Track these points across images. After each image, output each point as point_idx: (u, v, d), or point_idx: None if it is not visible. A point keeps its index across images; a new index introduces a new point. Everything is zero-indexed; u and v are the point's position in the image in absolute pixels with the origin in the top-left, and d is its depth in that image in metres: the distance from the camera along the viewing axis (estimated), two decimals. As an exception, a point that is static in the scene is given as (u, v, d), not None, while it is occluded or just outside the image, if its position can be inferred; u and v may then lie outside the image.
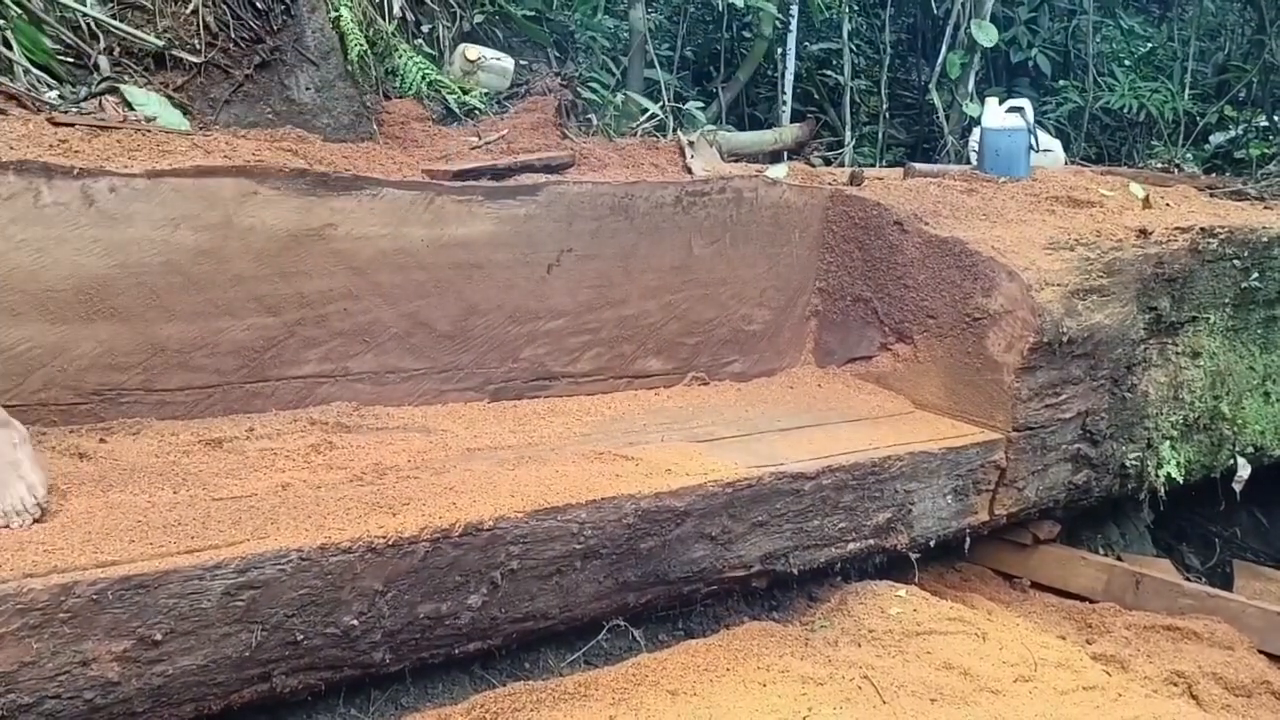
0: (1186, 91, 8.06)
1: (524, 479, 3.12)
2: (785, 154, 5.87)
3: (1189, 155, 7.82)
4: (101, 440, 3.08)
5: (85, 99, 3.48)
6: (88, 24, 3.66)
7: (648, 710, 3.00)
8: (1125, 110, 7.89)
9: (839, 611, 3.73)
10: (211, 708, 2.59)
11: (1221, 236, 4.77)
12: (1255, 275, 4.92)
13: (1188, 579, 4.98)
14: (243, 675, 2.59)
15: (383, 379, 3.61)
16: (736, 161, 5.13)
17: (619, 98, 4.95)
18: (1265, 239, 4.94)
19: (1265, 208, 5.60)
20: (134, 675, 2.42)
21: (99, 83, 3.55)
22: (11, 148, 3.03)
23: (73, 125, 3.22)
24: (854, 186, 4.73)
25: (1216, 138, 8.05)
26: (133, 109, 3.48)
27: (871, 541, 3.83)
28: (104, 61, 3.62)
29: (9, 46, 3.49)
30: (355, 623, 2.71)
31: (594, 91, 4.83)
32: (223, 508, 2.73)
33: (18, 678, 2.29)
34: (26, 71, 3.49)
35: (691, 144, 4.57)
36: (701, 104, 6.00)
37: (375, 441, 3.33)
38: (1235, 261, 4.85)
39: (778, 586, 3.79)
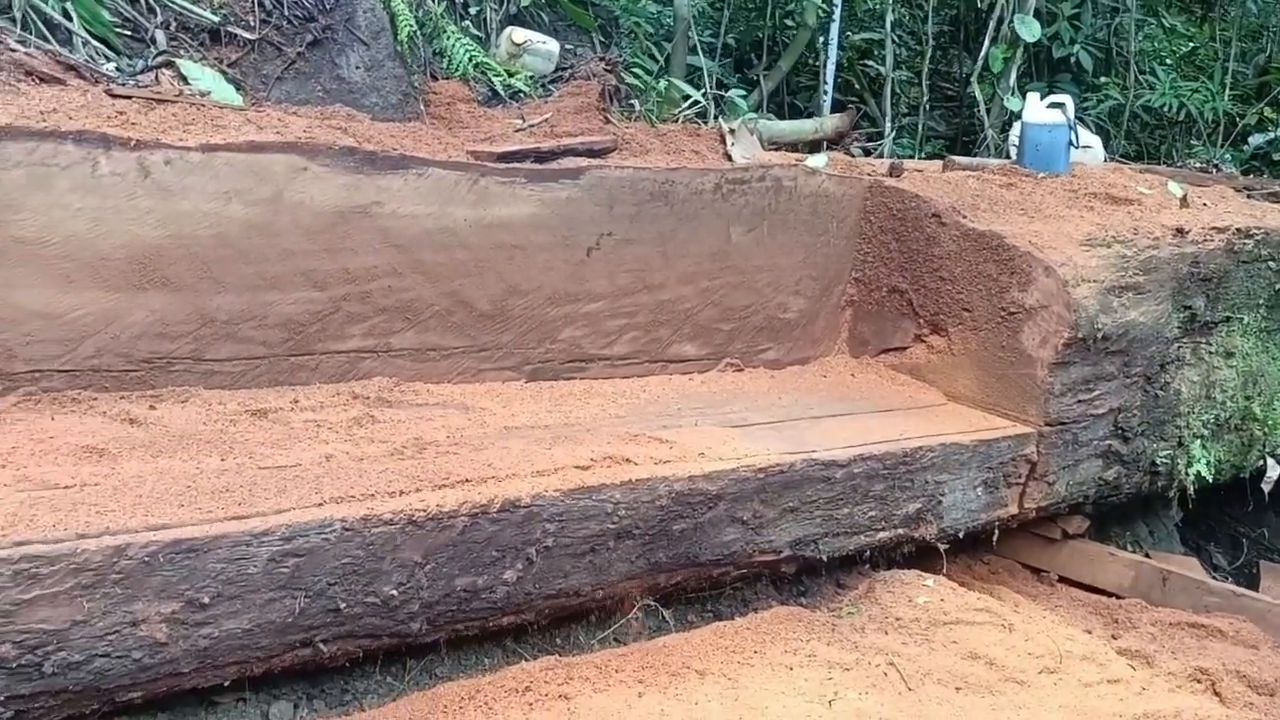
0: (1227, 92, 8.03)
1: (560, 458, 3.17)
2: (825, 144, 5.89)
3: (1228, 155, 7.79)
4: (151, 407, 3.15)
5: (142, 71, 3.55)
6: (145, -2, 3.73)
7: (676, 689, 3.05)
8: (1165, 109, 7.86)
9: (867, 599, 3.77)
10: (254, 670, 2.67)
11: (1258, 237, 4.76)
12: (1291, 277, 4.92)
13: (1214, 578, 4.99)
14: (285, 640, 2.65)
15: (423, 356, 3.67)
16: (776, 150, 5.16)
17: (662, 84, 4.98)
18: (1303, 241, 4.93)
19: (1304, 210, 5.58)
20: (181, 636, 2.50)
21: (155, 56, 3.62)
22: (70, 118, 3.09)
23: (130, 97, 3.29)
24: (893, 178, 4.75)
25: (1256, 139, 8.02)
26: (188, 83, 3.54)
27: (901, 531, 3.86)
28: (161, 35, 3.68)
29: (69, 18, 3.56)
30: (395, 593, 2.77)
31: (637, 77, 4.86)
32: (268, 476, 2.79)
33: (69, 636, 2.36)
34: (85, 43, 3.56)
35: (732, 131, 4.59)
36: (743, 91, 6.03)
37: (415, 417, 3.39)
38: (1271, 263, 4.85)
39: (807, 572, 3.84)
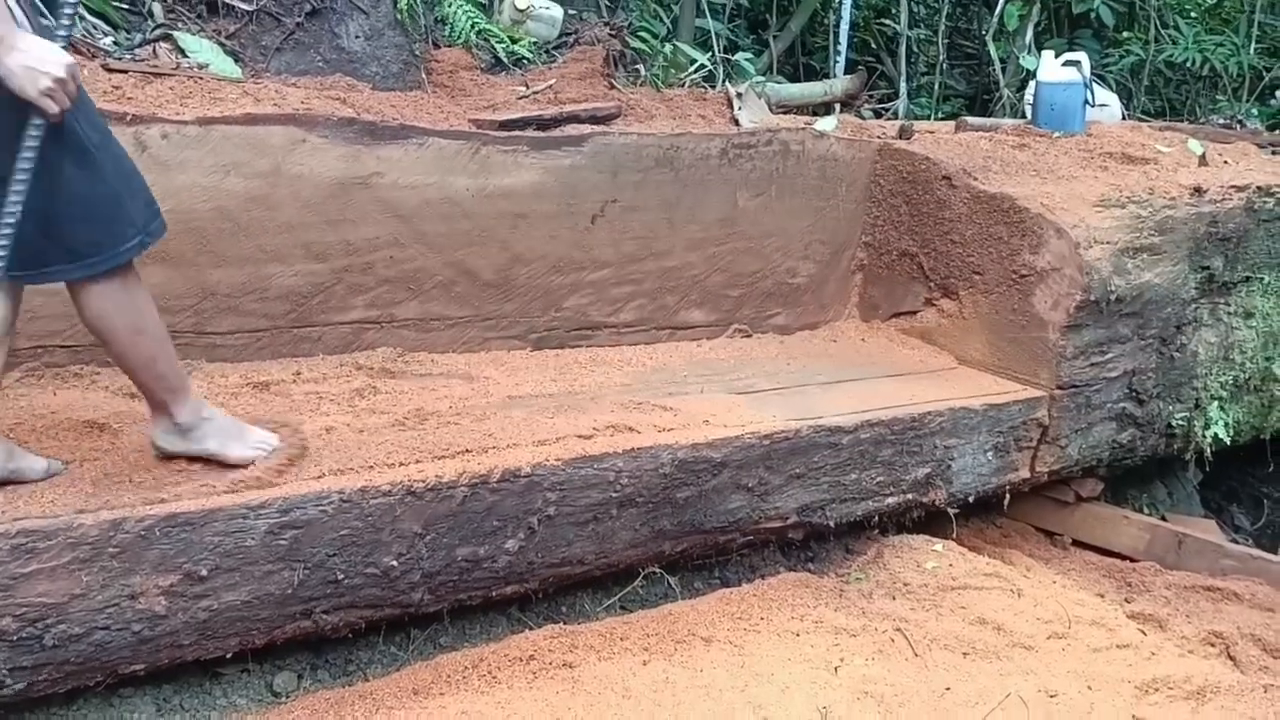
0: (1253, 45, 7.87)
1: (562, 427, 3.16)
2: (837, 106, 5.82)
3: (1254, 111, 7.65)
4: (153, 381, 3.16)
5: (139, 45, 3.54)
6: (143, -29, 3.72)
7: (682, 656, 3.06)
8: (1189, 64, 7.72)
9: (875, 564, 3.75)
10: (255, 642, 2.68)
11: (1278, 195, 4.68)
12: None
13: (1235, 540, 4.95)
14: (285, 611, 2.67)
15: (427, 326, 3.66)
16: (786, 114, 5.10)
17: (668, 48, 4.93)
18: (1325, 198, 4.84)
19: (1328, 166, 5.48)
20: (180, 609, 2.51)
21: (153, 30, 3.61)
22: (67, 94, 3.09)
23: (126, 72, 3.28)
24: (903, 140, 4.69)
25: (1283, 93, 7.87)
26: (186, 56, 3.53)
27: (909, 496, 3.84)
28: (158, 8, 3.67)
29: (66, -7, 3.55)
30: (395, 563, 2.78)
31: (643, 41, 4.81)
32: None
33: (68, 609, 2.38)
34: (82, 18, 3.55)
35: (739, 95, 4.55)
36: (753, 54, 5.96)
37: (418, 387, 3.39)
38: (1292, 221, 4.77)
39: (814, 538, 3.83)
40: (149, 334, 2.54)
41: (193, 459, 2.68)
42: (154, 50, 3.52)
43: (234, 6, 3.74)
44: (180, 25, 3.66)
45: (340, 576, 2.71)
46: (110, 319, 2.48)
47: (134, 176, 2.52)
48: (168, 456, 2.68)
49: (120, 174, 2.47)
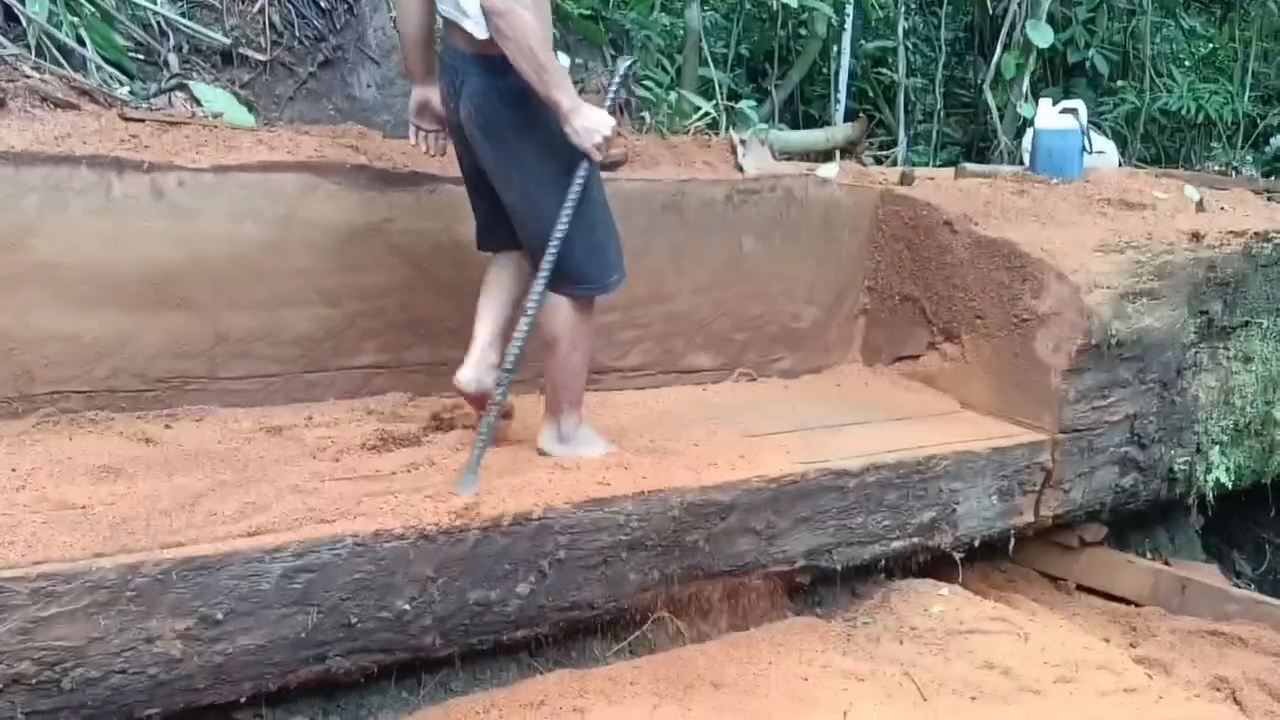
0: (1247, 94, 7.97)
1: (570, 470, 3.18)
2: (837, 153, 5.89)
3: (1248, 158, 7.74)
4: (167, 426, 3.19)
5: (155, 95, 3.59)
6: (158, 22, 3.78)
7: (691, 701, 3.06)
8: (1184, 112, 7.81)
9: (882, 608, 3.76)
10: (269, 686, 2.69)
11: (1276, 241, 4.74)
12: (1310, 280, 4.88)
13: (1238, 585, 4.95)
14: (299, 655, 2.68)
15: (437, 370, 3.68)
16: (788, 160, 5.16)
17: (672, 96, 5.00)
18: (1321, 244, 4.90)
19: (1323, 212, 5.54)
20: (196, 652, 2.53)
21: (169, 79, 3.67)
22: (85, 142, 3.14)
23: (143, 121, 3.33)
24: (904, 186, 4.75)
25: (1277, 140, 7.97)
26: (200, 105, 3.59)
27: (915, 540, 3.86)
28: (173, 59, 3.73)
29: (82, 43, 3.61)
30: (407, 607, 2.79)
31: (648, 90, 4.88)
32: (281, 493, 2.82)
33: (86, 652, 2.40)
34: (99, 68, 3.61)
35: (743, 142, 4.61)
36: (755, 102, 6.04)
37: (429, 431, 3.41)
38: (1290, 266, 4.82)
39: (821, 582, 3.83)
40: (580, 353, 3.27)
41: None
42: (170, 99, 3.57)
43: (248, 57, 3.81)
44: (195, 75, 3.72)
45: (353, 620, 2.72)
46: (567, 332, 3.19)
47: (616, 234, 3.28)
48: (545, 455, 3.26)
49: (612, 227, 3.26)
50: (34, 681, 2.35)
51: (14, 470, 2.80)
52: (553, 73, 2.94)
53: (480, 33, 2.93)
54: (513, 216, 3.16)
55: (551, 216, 3.01)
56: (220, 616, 2.53)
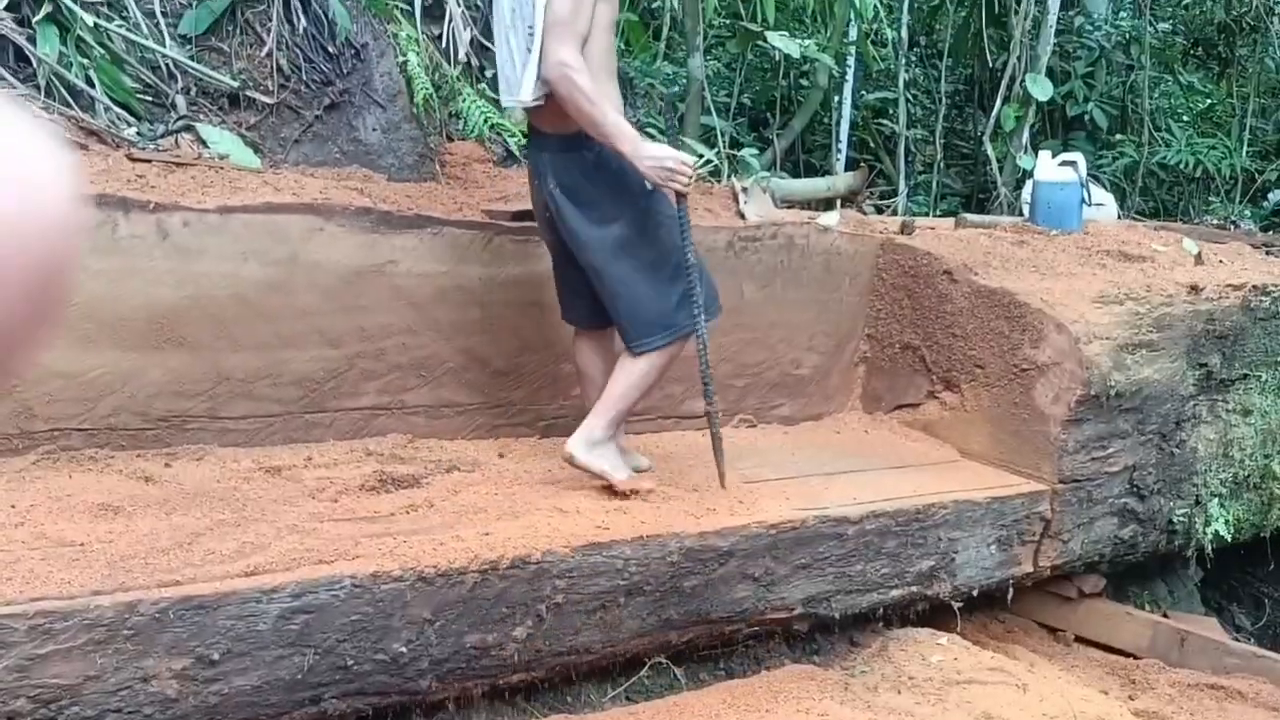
0: (1245, 148, 8.04)
1: (570, 513, 3.18)
2: (838, 202, 5.94)
3: (1246, 212, 7.79)
4: (166, 465, 3.19)
5: (162, 136, 3.63)
6: (166, 64, 3.82)
7: (687, 748, 3.04)
8: (1182, 166, 7.87)
9: (880, 657, 3.74)
10: (263, 728, 2.67)
11: (1275, 294, 4.76)
12: (1309, 334, 4.90)
13: (1236, 639, 4.93)
14: (294, 697, 2.66)
15: (438, 412, 3.70)
16: (789, 208, 5.20)
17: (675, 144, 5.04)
18: (1319, 298, 4.92)
19: (1321, 266, 5.57)
20: (191, 693, 2.51)
21: (176, 121, 3.70)
22: (92, 182, 3.16)
23: (150, 161, 3.36)
24: (905, 235, 4.78)
25: (1275, 195, 8.02)
26: (207, 147, 3.62)
27: (914, 589, 3.85)
28: (181, 101, 3.77)
29: (91, 84, 3.65)
30: (404, 649, 2.78)
31: (651, 137, 4.92)
32: (280, 533, 2.82)
33: (82, 691, 2.38)
34: (107, 109, 3.64)
35: (745, 190, 4.64)
36: (757, 150, 6.09)
37: (428, 473, 3.41)
38: (1288, 320, 4.84)
39: (819, 630, 3.82)
40: (650, 381, 3.41)
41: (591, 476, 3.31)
42: (176, 141, 3.61)
43: (255, 99, 3.84)
44: (202, 117, 3.75)
45: (350, 662, 2.71)
46: (656, 357, 3.37)
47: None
48: (572, 464, 3.30)
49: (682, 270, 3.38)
50: (28, 720, 2.34)
51: (13, 507, 2.80)
52: (606, 125, 3.05)
53: (529, 99, 3.15)
54: (595, 280, 3.32)
55: (632, 275, 3.24)
56: (217, 656, 2.52)
